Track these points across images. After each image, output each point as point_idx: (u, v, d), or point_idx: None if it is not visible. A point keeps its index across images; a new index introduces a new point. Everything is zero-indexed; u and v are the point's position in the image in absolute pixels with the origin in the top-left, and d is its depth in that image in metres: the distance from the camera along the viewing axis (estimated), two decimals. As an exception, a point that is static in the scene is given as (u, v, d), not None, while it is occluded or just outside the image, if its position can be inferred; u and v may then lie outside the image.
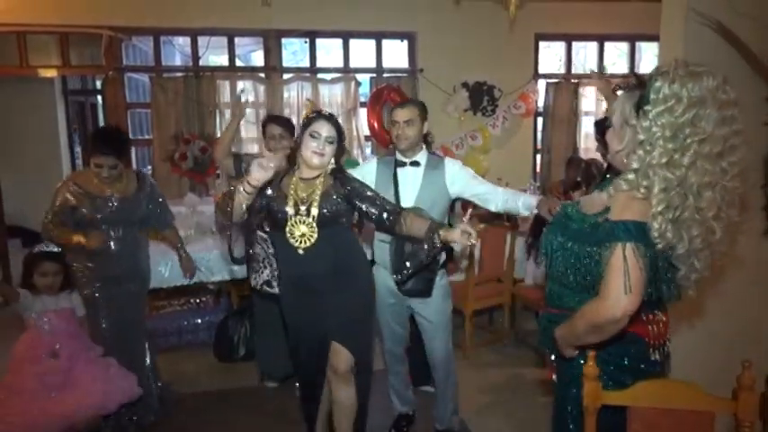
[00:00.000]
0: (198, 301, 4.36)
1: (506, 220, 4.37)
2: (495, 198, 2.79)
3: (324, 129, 2.37)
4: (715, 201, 1.46)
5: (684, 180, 1.44)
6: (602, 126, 2.37)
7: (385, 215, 2.39)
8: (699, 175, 1.44)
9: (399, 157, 2.79)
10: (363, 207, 2.41)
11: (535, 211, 2.71)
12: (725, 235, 1.52)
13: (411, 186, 2.75)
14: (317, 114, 2.43)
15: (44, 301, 2.85)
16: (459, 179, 2.76)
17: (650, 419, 1.57)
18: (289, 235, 2.36)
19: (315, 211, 2.35)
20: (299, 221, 2.35)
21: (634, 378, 1.60)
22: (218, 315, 4.24)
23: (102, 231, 2.94)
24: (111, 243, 2.98)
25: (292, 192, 2.39)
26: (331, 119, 2.43)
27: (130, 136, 5.84)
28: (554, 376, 1.81)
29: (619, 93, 1.63)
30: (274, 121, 3.39)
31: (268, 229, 2.48)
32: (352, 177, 2.50)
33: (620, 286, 1.42)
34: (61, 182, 3.01)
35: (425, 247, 2.30)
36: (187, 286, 3.93)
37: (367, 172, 2.84)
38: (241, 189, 2.21)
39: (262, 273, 3.01)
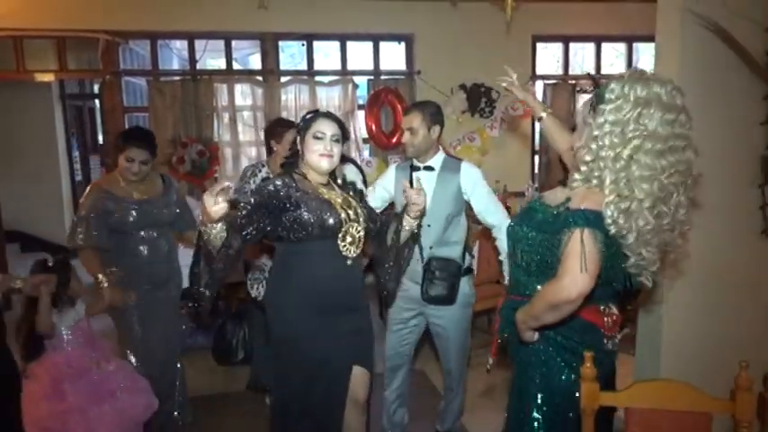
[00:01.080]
0: (195, 305, 4.34)
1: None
2: (496, 232, 2.71)
3: (327, 127, 2.15)
4: (652, 194, 1.55)
5: (627, 171, 1.55)
6: None
7: (379, 224, 2.33)
8: (640, 169, 1.54)
9: (414, 161, 2.78)
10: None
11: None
12: (674, 231, 1.64)
13: (426, 190, 2.70)
14: (315, 113, 2.22)
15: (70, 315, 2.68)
16: (474, 187, 2.70)
17: (648, 420, 1.58)
18: (341, 243, 2.12)
19: (362, 217, 2.19)
20: (350, 229, 2.14)
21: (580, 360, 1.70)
22: (216, 318, 4.22)
23: (125, 289, 2.83)
24: (142, 248, 2.91)
25: (328, 196, 2.15)
26: (332, 115, 2.22)
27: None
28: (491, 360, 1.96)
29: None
30: (290, 125, 3.22)
31: (294, 240, 2.12)
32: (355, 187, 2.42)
33: (577, 267, 1.51)
34: (87, 189, 2.94)
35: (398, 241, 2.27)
36: (185, 289, 3.92)
37: (387, 180, 2.84)
38: (206, 230, 1.89)
39: (264, 283, 2.98)
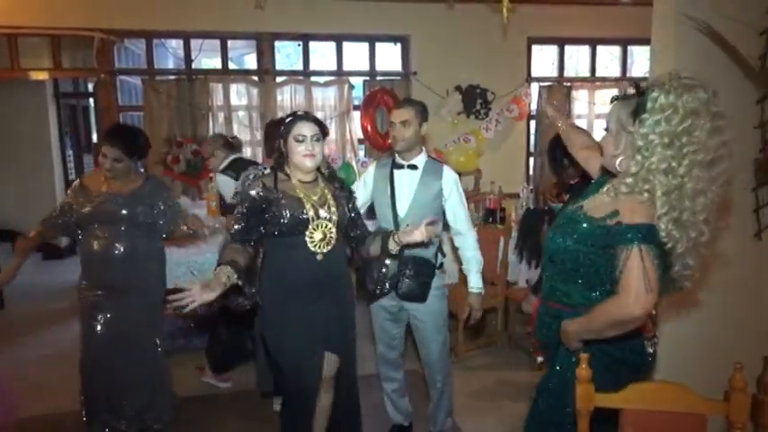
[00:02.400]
0: (190, 304, 4.33)
1: (499, 224, 4.39)
2: (460, 239, 2.84)
3: (307, 129, 2.31)
4: (706, 207, 1.56)
5: (682, 186, 1.54)
6: (559, 142, 2.44)
7: (358, 232, 2.50)
8: (694, 182, 1.54)
9: (398, 159, 2.77)
10: (350, 212, 2.47)
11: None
12: (710, 236, 1.63)
13: (407, 189, 2.73)
14: (293, 117, 2.36)
15: None
16: (450, 194, 2.76)
17: (642, 422, 1.58)
18: (308, 240, 2.29)
19: (335, 216, 2.34)
20: (320, 226, 2.30)
21: (629, 370, 1.72)
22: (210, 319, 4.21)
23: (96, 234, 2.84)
24: (95, 243, 2.84)
25: (302, 195, 2.32)
26: (309, 116, 2.38)
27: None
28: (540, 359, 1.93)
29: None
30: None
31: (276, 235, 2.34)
32: (343, 180, 2.55)
33: (641, 286, 1.51)
34: None
35: (381, 254, 2.43)
36: (179, 290, 3.90)
37: (367, 177, 2.85)
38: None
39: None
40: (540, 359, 2.08)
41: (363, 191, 2.87)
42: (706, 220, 1.57)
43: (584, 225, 1.71)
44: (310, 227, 2.29)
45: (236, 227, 2.30)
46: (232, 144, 3.94)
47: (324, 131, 2.39)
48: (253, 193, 2.32)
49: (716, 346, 2.68)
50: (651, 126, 1.54)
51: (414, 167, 2.74)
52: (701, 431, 1.58)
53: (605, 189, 1.73)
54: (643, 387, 1.59)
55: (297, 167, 2.35)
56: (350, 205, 2.48)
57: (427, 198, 2.72)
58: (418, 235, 2.26)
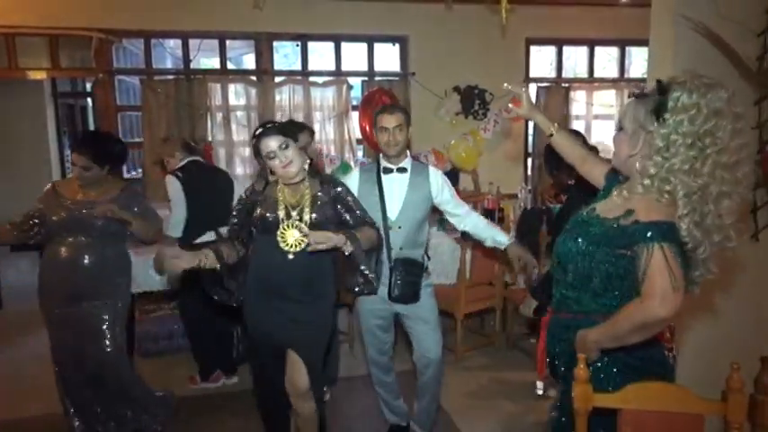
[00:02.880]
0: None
1: (497, 224, 4.39)
2: (467, 220, 2.92)
3: (273, 142, 2.35)
4: (732, 209, 1.52)
5: (705, 188, 1.50)
6: (551, 149, 2.35)
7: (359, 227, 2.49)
8: (718, 184, 1.50)
9: (385, 163, 2.79)
10: (342, 212, 2.49)
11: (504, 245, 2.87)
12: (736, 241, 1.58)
13: (398, 193, 2.76)
14: (256, 136, 2.42)
15: None
16: (442, 191, 2.83)
17: (640, 422, 1.58)
18: (280, 239, 2.35)
19: (307, 217, 2.38)
20: (291, 225, 2.35)
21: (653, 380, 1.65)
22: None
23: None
24: (63, 250, 2.80)
25: (281, 197, 2.42)
26: (271, 129, 2.41)
27: (121, 138, 5.81)
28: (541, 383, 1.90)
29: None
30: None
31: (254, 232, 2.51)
32: (340, 182, 2.56)
33: (667, 285, 1.46)
34: None
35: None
36: (177, 290, 3.91)
37: (350, 182, 2.84)
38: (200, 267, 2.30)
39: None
40: (539, 387, 2.01)
41: None
42: (734, 224, 1.53)
43: (597, 227, 1.65)
44: (281, 227, 2.35)
45: (231, 222, 2.53)
46: (191, 147, 3.95)
47: (292, 134, 2.45)
48: (244, 195, 2.53)
49: (713, 346, 2.69)
50: (673, 126, 1.50)
51: (403, 170, 2.78)
52: (699, 431, 1.59)
53: (616, 191, 1.69)
54: (641, 387, 1.58)
55: (280, 176, 2.43)
56: (339, 206, 2.49)
57: (418, 199, 2.77)
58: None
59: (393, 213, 2.75)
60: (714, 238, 1.54)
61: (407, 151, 2.84)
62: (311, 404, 2.52)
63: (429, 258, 2.93)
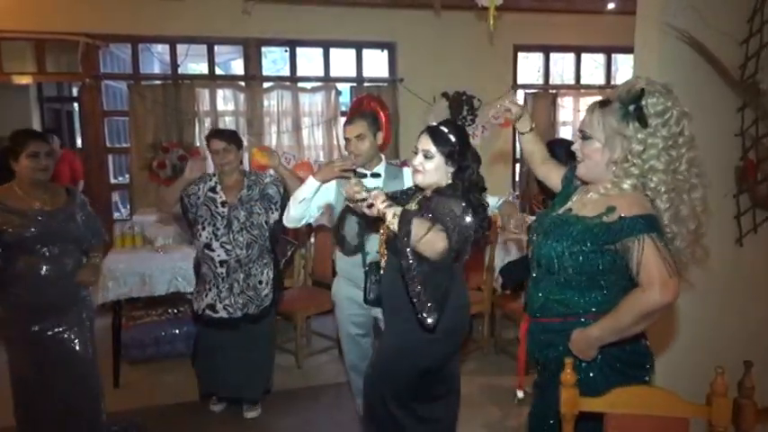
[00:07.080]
0: (176, 311, 4.31)
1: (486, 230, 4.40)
2: None
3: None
4: (703, 198, 1.67)
5: (684, 183, 1.65)
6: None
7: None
8: (691, 178, 1.66)
9: (360, 169, 2.79)
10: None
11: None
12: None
13: None
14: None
15: None
16: None
17: (626, 425, 1.59)
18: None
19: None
20: None
21: (637, 369, 1.76)
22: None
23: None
24: (45, 267, 2.62)
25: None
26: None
27: (107, 144, 5.78)
28: (524, 390, 1.98)
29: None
30: (217, 135, 3.21)
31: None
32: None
33: (664, 272, 1.54)
34: None
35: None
36: (164, 297, 3.88)
37: (330, 187, 2.82)
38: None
39: (206, 295, 3.17)
40: (519, 395, 2.01)
41: (324, 194, 2.84)
42: (703, 211, 1.68)
43: (578, 226, 1.69)
44: None
45: None
46: None
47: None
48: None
49: (697, 350, 2.71)
50: (652, 129, 1.61)
51: (377, 175, 2.79)
52: (684, 435, 1.60)
53: (592, 192, 1.74)
54: (627, 391, 1.60)
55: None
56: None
57: None
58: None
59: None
60: (690, 226, 1.66)
61: (381, 156, 2.84)
62: None
63: None
